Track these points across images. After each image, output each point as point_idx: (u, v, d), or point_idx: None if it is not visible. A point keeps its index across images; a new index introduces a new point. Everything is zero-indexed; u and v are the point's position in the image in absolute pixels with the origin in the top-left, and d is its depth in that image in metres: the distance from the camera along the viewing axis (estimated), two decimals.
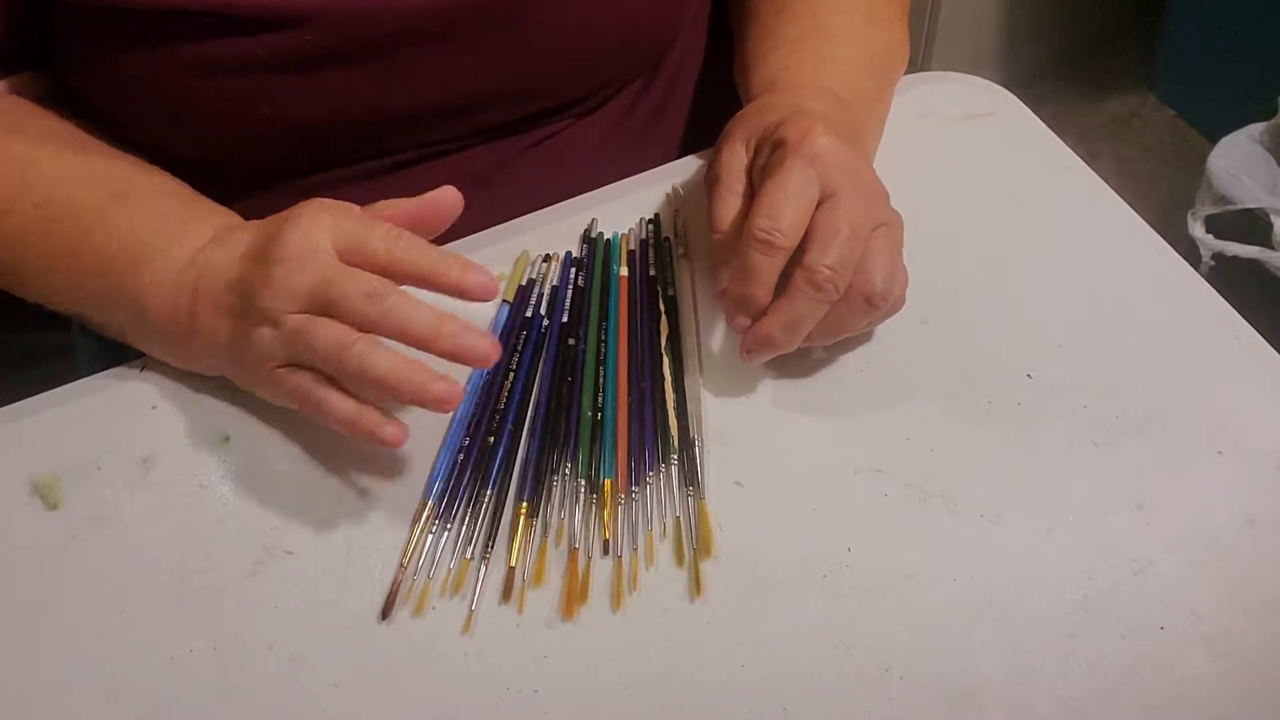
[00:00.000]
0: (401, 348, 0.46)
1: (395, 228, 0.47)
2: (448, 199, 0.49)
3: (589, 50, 0.60)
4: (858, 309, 0.50)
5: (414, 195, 0.54)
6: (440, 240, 0.60)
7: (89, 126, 0.58)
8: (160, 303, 0.51)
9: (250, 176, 0.61)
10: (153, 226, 0.52)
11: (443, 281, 0.46)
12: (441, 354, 0.45)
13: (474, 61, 0.58)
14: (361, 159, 0.62)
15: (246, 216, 0.54)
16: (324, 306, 0.46)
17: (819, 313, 0.49)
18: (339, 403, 0.47)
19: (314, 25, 0.53)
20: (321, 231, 0.46)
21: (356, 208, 0.49)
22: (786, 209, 0.48)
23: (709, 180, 0.55)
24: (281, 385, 0.48)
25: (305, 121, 0.57)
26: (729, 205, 0.53)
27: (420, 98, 0.58)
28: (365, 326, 0.45)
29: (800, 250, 0.49)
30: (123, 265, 0.51)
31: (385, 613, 0.47)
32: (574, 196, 0.63)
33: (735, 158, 0.54)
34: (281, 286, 0.46)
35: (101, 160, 0.55)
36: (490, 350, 0.45)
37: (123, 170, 0.55)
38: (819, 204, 0.49)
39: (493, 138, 0.63)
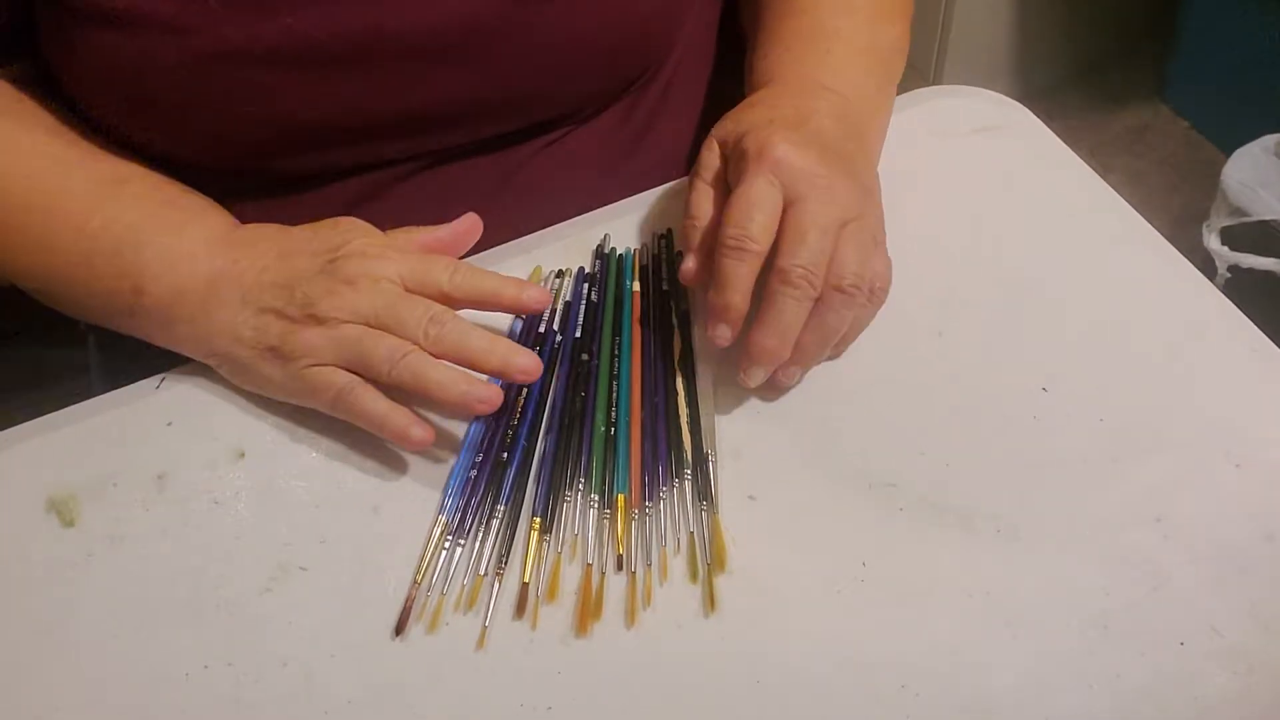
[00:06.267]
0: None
1: (452, 260, 0.53)
2: (467, 225, 0.55)
3: (580, 63, 0.60)
4: (835, 303, 0.51)
5: (416, 208, 0.57)
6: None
7: (69, 119, 0.58)
8: (163, 285, 0.53)
9: (242, 183, 0.60)
10: (154, 210, 0.55)
11: (505, 300, 0.52)
12: (493, 370, 0.51)
13: (463, 74, 0.58)
14: (358, 170, 0.62)
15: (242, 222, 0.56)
16: (384, 324, 0.50)
17: (801, 312, 0.50)
18: (374, 401, 0.51)
19: (292, 17, 0.54)
20: (389, 264, 0.52)
21: (403, 236, 0.54)
22: (753, 216, 0.50)
23: (691, 175, 0.58)
24: (314, 380, 0.51)
25: (286, 120, 0.57)
26: (701, 194, 0.56)
27: (410, 105, 0.58)
28: (424, 344, 0.50)
29: (771, 256, 0.51)
30: (125, 245, 0.54)
31: (399, 629, 0.47)
32: (581, 205, 0.63)
33: (711, 155, 0.57)
34: (346, 301, 0.50)
35: (95, 149, 0.57)
36: (535, 365, 0.51)
37: (116, 159, 0.57)
38: (785, 210, 0.51)
39: (493, 149, 0.63)
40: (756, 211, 0.50)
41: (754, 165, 0.51)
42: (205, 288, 0.53)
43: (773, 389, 0.54)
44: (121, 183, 0.56)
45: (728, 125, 0.57)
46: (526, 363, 0.50)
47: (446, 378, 0.50)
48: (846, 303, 0.51)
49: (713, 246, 0.53)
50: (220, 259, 0.54)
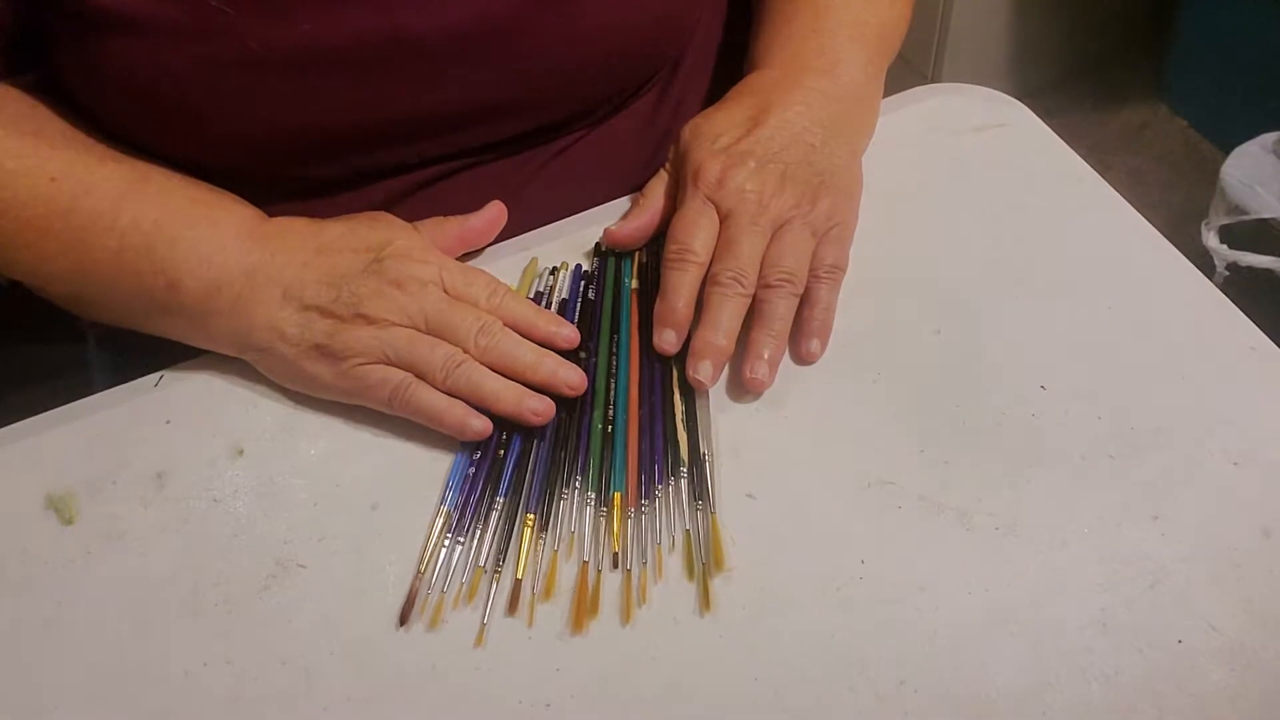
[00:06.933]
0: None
1: (493, 280, 0.55)
2: (495, 213, 0.59)
3: (594, 62, 0.61)
4: (767, 296, 0.54)
5: (437, 214, 0.58)
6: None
7: (83, 124, 0.58)
8: (198, 279, 0.53)
9: (260, 189, 0.61)
10: (180, 206, 0.55)
11: (537, 333, 0.54)
12: (540, 383, 0.53)
13: (478, 75, 0.58)
14: (377, 175, 0.62)
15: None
16: (435, 329, 0.53)
17: (735, 308, 0.54)
18: (431, 396, 0.52)
19: (304, 21, 0.54)
20: (434, 269, 0.54)
21: (434, 225, 0.58)
22: (694, 234, 0.55)
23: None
24: (367, 378, 0.52)
25: (301, 124, 0.57)
26: (658, 180, 0.61)
27: (425, 107, 0.58)
28: (473, 353, 0.52)
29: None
30: (157, 240, 0.54)
31: (403, 619, 0.47)
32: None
33: (673, 150, 0.61)
34: (396, 303, 0.52)
35: (113, 151, 0.57)
36: (581, 380, 0.53)
37: (135, 159, 0.57)
38: (721, 225, 0.56)
39: (509, 153, 0.63)
40: (696, 229, 0.55)
41: (690, 189, 0.57)
42: (242, 281, 0.53)
43: (758, 391, 0.54)
44: (144, 181, 0.55)
45: (686, 132, 0.60)
46: (573, 377, 0.53)
47: (501, 387, 0.52)
48: (778, 294, 0.54)
49: (650, 221, 0.59)
50: (255, 252, 0.54)
